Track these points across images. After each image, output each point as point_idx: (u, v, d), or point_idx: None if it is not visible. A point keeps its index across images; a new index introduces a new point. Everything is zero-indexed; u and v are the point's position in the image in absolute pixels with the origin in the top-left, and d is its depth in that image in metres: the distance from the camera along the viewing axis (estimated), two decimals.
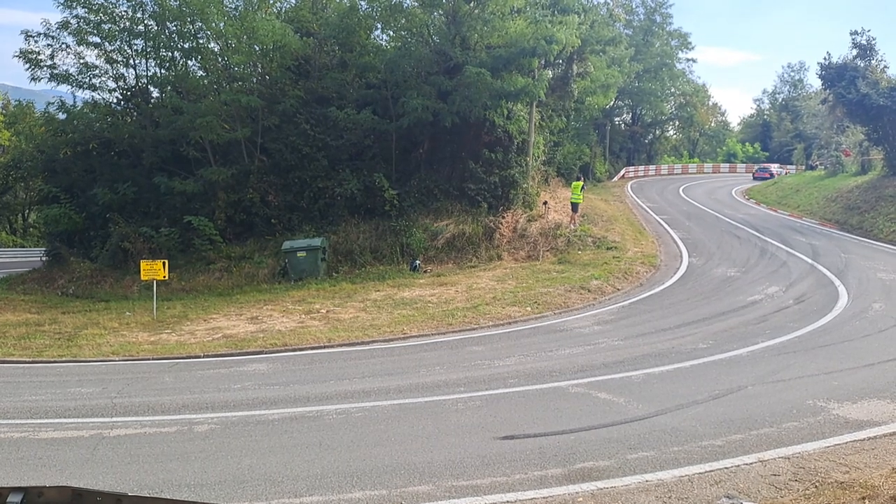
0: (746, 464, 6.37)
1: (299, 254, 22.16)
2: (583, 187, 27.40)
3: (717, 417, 7.87)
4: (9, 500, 4.06)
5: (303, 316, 16.40)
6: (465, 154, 26.36)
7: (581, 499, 5.64)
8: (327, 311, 16.80)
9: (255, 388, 10.21)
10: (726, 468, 6.26)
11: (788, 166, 63.30)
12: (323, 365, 11.81)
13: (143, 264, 17.04)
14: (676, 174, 63.77)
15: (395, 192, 25.09)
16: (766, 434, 7.28)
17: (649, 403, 8.46)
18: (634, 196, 42.52)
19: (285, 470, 6.62)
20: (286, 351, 13.11)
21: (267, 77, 27.25)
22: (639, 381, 9.73)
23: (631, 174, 60.47)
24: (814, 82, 69.99)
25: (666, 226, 29.60)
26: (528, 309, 16.10)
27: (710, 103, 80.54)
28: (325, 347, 13.33)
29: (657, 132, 72.69)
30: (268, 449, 7.31)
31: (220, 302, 19.39)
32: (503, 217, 25.51)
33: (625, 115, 68.25)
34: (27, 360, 13.21)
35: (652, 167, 64.91)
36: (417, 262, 22.98)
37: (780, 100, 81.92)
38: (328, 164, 25.58)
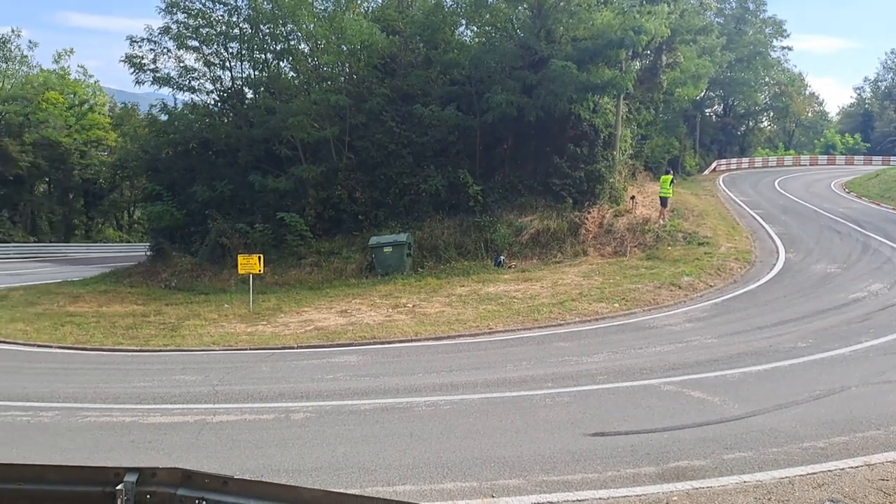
0: (852, 467, 6.10)
1: (385, 249, 22.58)
2: (672, 181, 26.67)
3: (819, 418, 7.56)
4: (125, 479, 4.35)
5: (390, 310, 16.73)
6: (550, 149, 26.14)
7: (676, 498, 5.56)
8: (413, 306, 17.07)
9: (346, 378, 10.51)
10: (830, 471, 6.02)
11: (893, 158, 59.53)
12: (411, 358, 12.03)
13: (241, 259, 17.79)
14: (771, 167, 61.10)
15: (479, 187, 25.17)
16: (872, 437, 6.94)
17: (746, 403, 8.21)
18: (726, 190, 41.05)
19: (378, 459, 6.80)
20: (375, 344, 13.42)
21: (354, 76, 27.86)
22: (734, 380, 9.44)
23: (722, 167, 58.37)
24: None
25: (761, 220, 28.46)
26: (616, 305, 15.87)
27: (807, 93, 76.74)
28: (412, 341, 13.57)
29: (750, 123, 69.83)
30: (361, 438, 7.53)
31: (311, 295, 20.01)
32: (589, 212, 25.17)
33: (716, 107, 65.91)
34: (135, 348, 14.05)
35: (745, 160, 62.37)
36: (502, 257, 23.00)
37: (882, 88, 77.24)
38: (413, 161, 25.92)
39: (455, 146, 26.36)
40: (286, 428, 8.14)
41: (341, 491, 4.26)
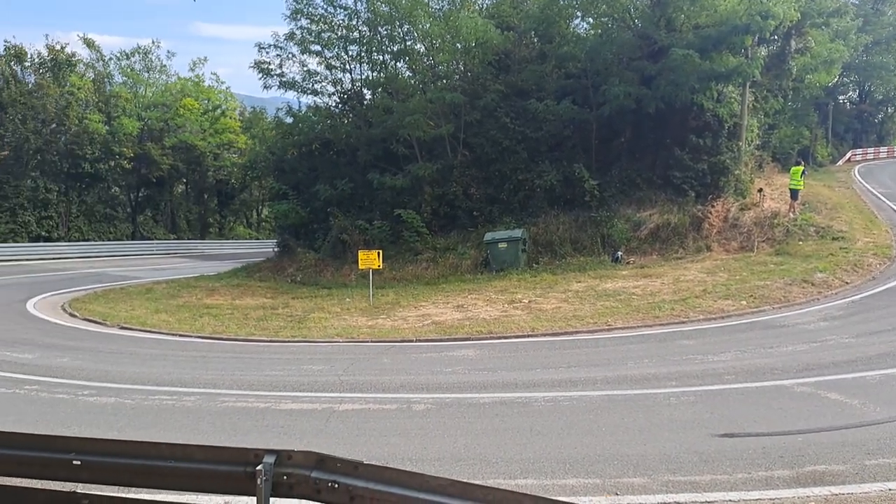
0: None
1: (500, 245, 22.65)
2: (803, 172, 25.10)
3: None
4: (264, 460, 4.65)
5: (506, 305, 16.79)
6: (671, 141, 25.30)
7: (813, 503, 5.29)
8: (529, 301, 17.05)
9: (465, 372, 10.67)
10: None
11: None
12: (528, 353, 12.03)
13: (361, 254, 18.41)
14: None
15: (596, 182, 24.74)
16: None
17: (889, 406, 7.66)
18: (863, 181, 38.16)
19: (498, 452, 6.87)
20: (492, 338, 13.51)
21: (469, 73, 28.10)
22: (875, 382, 8.83)
23: (858, 157, 54.21)
24: None
25: None
26: (743, 303, 15.18)
27: None
28: (528, 336, 13.57)
29: (889, 110, 64.40)
30: (481, 431, 7.63)
31: (427, 290, 20.39)
32: (712, 206, 24.17)
33: (850, 93, 61.26)
34: (266, 339, 14.84)
35: (883, 149, 57.57)
36: (619, 253, 22.52)
37: None
38: (528, 157, 25.84)
39: (570, 140, 26.04)
40: (408, 418, 8.37)
41: (466, 481, 4.37)
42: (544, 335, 13.56)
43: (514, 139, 25.93)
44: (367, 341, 13.96)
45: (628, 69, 24.69)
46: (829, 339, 11.55)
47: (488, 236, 23.19)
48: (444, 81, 28.27)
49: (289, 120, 30.79)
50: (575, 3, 27.24)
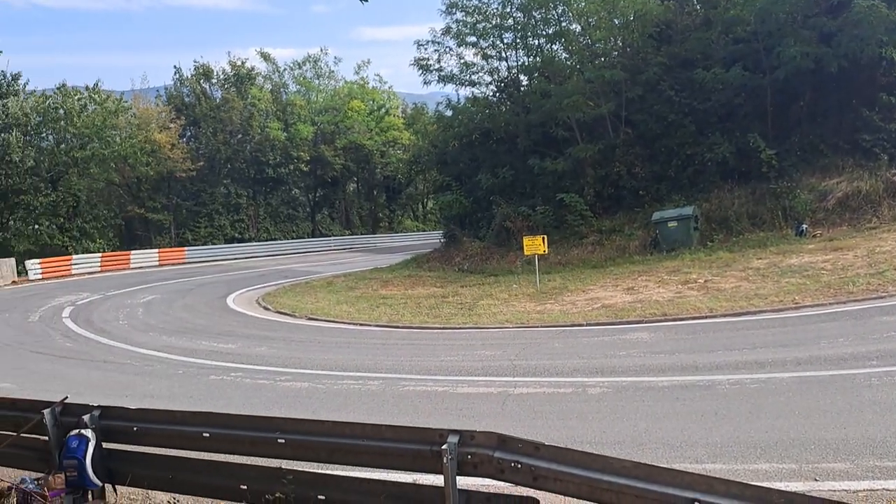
0: None
1: (670, 224, 21.83)
2: None
3: None
4: (448, 440, 4.86)
5: (679, 286, 16.17)
6: (857, 101, 23.04)
7: None
8: (705, 281, 16.30)
9: (640, 355, 10.44)
10: None
11: None
12: (707, 335, 11.54)
13: (526, 240, 18.50)
14: None
15: (773, 151, 23.07)
16: None
17: None
18: None
19: (681, 436, 6.69)
20: (666, 320, 13.09)
21: (628, 49, 27.26)
22: None
23: None
24: None
25: None
26: None
27: None
28: (706, 318, 12.98)
29: None
30: (661, 414, 7.46)
31: (594, 274, 20.10)
32: None
33: None
34: (438, 326, 15.37)
35: None
36: (804, 226, 20.89)
37: None
38: (696, 130, 24.66)
39: (742, 109, 24.49)
40: (584, 402, 8.36)
41: (652, 464, 4.32)
42: (723, 316, 12.91)
43: (681, 112, 24.82)
44: (537, 326, 14.03)
45: (804, 27, 22.74)
46: None
47: (656, 215, 22.41)
48: (603, 59, 27.62)
49: (448, 113, 31.55)
50: None
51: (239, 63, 48.33)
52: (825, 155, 23.22)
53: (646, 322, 13.16)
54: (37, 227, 36.92)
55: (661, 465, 4.35)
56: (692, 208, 22.19)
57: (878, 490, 5.04)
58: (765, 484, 5.07)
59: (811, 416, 6.84)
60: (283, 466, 5.23)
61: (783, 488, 4.73)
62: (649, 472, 4.24)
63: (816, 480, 5.31)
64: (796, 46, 22.09)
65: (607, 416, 7.60)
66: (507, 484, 4.62)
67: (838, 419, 6.67)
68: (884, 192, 21.18)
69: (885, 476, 5.27)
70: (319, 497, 5.09)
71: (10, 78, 38.38)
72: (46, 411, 5.84)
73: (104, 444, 5.74)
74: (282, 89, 51.61)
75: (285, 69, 52.34)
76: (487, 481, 4.77)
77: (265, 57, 51.55)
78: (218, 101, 46.57)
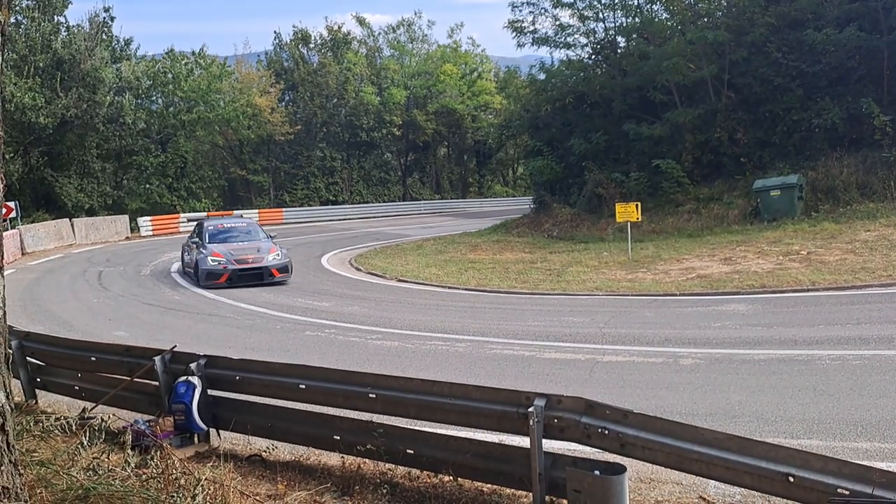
0: None
1: (772, 193, 20.87)
2: None
3: None
4: (535, 403, 4.90)
5: (780, 258, 15.51)
6: None
7: None
8: (808, 253, 15.57)
9: (735, 327, 10.14)
10: None
11: None
12: (808, 308, 11.06)
13: (619, 207, 18.13)
14: None
15: (888, 118, 21.47)
16: None
17: None
18: None
19: (777, 410, 6.50)
20: (764, 293, 12.62)
21: (733, 8, 25.86)
22: None
23: None
24: None
25: None
26: None
27: None
28: (808, 291, 12.44)
29: None
30: (756, 388, 7.25)
31: (690, 243, 19.54)
32: None
33: None
34: (526, 291, 15.37)
35: None
36: None
37: None
38: (804, 94, 23.26)
39: (855, 72, 22.88)
40: (675, 372, 8.22)
41: (745, 436, 4.23)
42: (826, 289, 12.33)
43: (788, 76, 23.45)
44: (628, 294, 13.81)
45: None
46: None
47: (758, 183, 21.43)
48: (706, 20, 26.35)
49: (542, 76, 30.97)
50: None
51: (335, 28, 49.04)
52: None
53: (743, 294, 12.73)
54: (148, 186, 39.03)
55: (755, 439, 4.26)
56: (797, 177, 21.10)
57: None
58: (865, 462, 4.89)
59: None
60: (374, 420, 5.43)
61: (884, 468, 4.54)
62: (742, 445, 4.17)
63: None
64: None
65: (699, 388, 7.46)
66: (594, 449, 4.63)
67: None
68: None
69: None
70: (408, 451, 5.26)
71: (122, 43, 40.40)
72: (157, 358, 6.28)
73: (209, 392, 6.13)
74: (376, 54, 52.01)
75: (380, 33, 52.67)
76: (574, 445, 4.80)
77: (361, 22, 52.03)
78: (315, 65, 47.47)
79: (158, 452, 5.16)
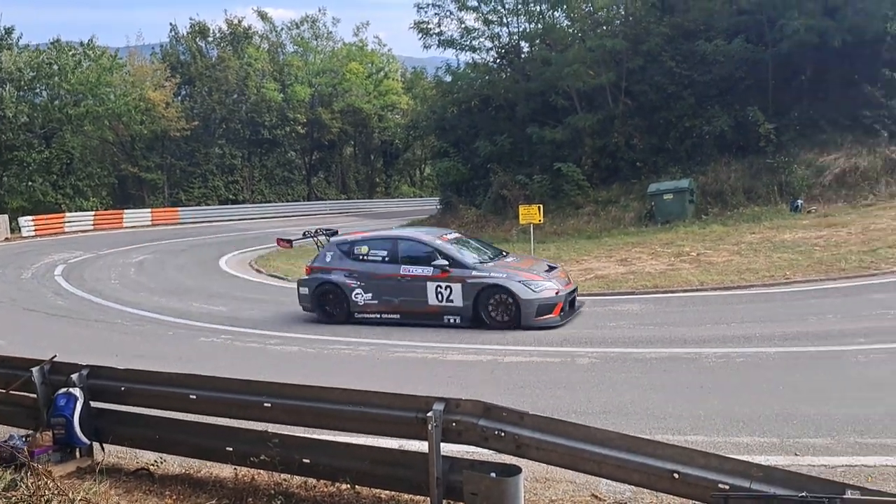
0: None
1: (665, 196, 21.79)
2: None
3: None
4: (434, 407, 4.87)
5: (672, 259, 16.19)
6: (860, 77, 22.83)
7: None
8: (698, 254, 16.32)
9: (629, 327, 10.49)
10: None
11: None
12: (697, 308, 11.58)
13: (522, 209, 18.40)
14: None
15: (772, 126, 22.90)
16: None
17: None
18: None
19: (667, 407, 6.75)
20: (657, 293, 13.12)
21: (630, 18, 26.91)
22: None
23: None
24: None
25: None
26: None
27: None
28: (697, 290, 13.02)
29: None
30: (648, 385, 7.51)
31: (589, 244, 20.11)
32: None
33: None
34: None
35: None
36: (799, 201, 20.86)
37: None
38: (695, 102, 24.46)
39: (742, 82, 24.26)
40: (572, 371, 8.42)
41: (634, 435, 4.35)
42: (714, 289, 12.95)
43: (681, 84, 24.59)
44: None
45: (809, 0, 22.41)
46: None
47: (653, 187, 22.35)
48: (605, 28, 27.29)
49: (448, 78, 31.19)
50: None
51: (235, 21, 47.71)
52: (824, 131, 23.08)
53: (637, 294, 13.19)
54: (30, 183, 36.64)
55: (645, 437, 4.39)
56: (688, 181, 22.12)
57: (856, 466, 5.10)
58: (745, 457, 5.13)
59: (795, 392, 6.90)
60: (269, 430, 5.27)
61: (763, 462, 4.78)
62: (632, 444, 4.29)
63: (797, 455, 5.37)
64: (800, 19, 21.77)
65: (595, 387, 7.66)
66: (492, 451, 4.66)
67: (822, 395, 6.73)
68: (882, 170, 21.15)
69: (865, 452, 5.33)
70: (304, 460, 5.14)
71: (3, 31, 37.76)
72: (35, 369, 5.86)
73: (93, 404, 5.78)
74: (279, 49, 50.93)
75: (282, 29, 51.65)
76: (473, 448, 4.82)
77: (262, 16, 50.81)
78: (213, 60, 45.97)
79: (29, 472, 4.80)
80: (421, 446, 4.74)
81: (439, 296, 11.11)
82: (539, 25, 28.43)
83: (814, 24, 21.70)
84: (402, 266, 11.44)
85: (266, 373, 8.46)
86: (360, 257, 11.83)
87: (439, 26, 29.37)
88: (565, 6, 27.54)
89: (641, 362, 8.51)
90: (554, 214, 24.16)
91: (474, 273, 11.04)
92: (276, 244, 16.38)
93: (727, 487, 3.78)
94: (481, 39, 29.50)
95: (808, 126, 23.31)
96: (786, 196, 21.59)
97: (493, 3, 28.43)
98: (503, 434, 4.57)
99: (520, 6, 28.25)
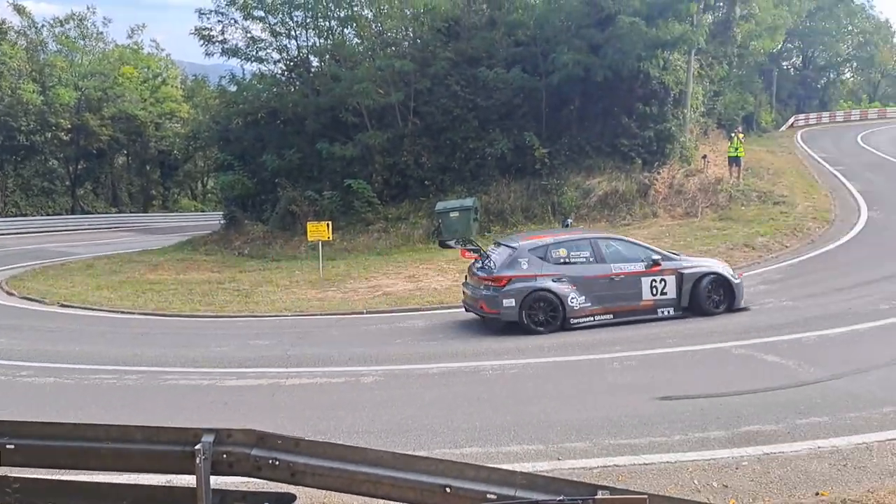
0: None
1: (452, 214, 22.59)
2: (731, 138, 25.66)
3: None
4: (203, 439, 4.56)
5: (457, 275, 16.73)
6: (618, 109, 25.49)
7: (746, 463, 5.46)
8: None
9: (414, 342, 10.70)
10: None
11: None
12: (476, 322, 12.09)
13: (310, 226, 18.16)
14: (854, 121, 57.76)
15: (546, 150, 24.81)
16: None
17: (823, 367, 7.95)
18: (805, 146, 39.17)
19: (445, 421, 6.92)
20: (443, 308, 13.54)
21: (418, 40, 27.73)
22: (811, 343, 9.15)
23: (801, 123, 55.53)
24: None
25: (842, 178, 27.12)
26: None
27: (895, 41, 71.78)
28: None
29: (832, 76, 65.97)
30: (429, 401, 7.67)
31: (379, 261, 20.32)
32: (658, 173, 24.50)
33: (794, 59, 62.52)
34: (211, 314, 14.60)
35: (825, 114, 59.19)
36: (569, 220, 22.63)
37: None
38: (478, 125, 25.75)
39: (520, 109, 26.02)
40: (356, 391, 8.37)
41: (408, 453, 4.38)
42: None
43: (465, 107, 25.78)
44: (317, 314, 13.86)
45: (577, 37, 24.65)
46: (768, 303, 11.91)
47: (440, 206, 23.11)
48: (394, 48, 27.84)
49: (233, 88, 29.94)
50: None
51: None
52: (590, 156, 25.42)
53: (424, 310, 13.54)
54: None
55: (419, 454, 4.43)
56: (473, 200, 23.17)
57: (610, 466, 5.56)
58: (513, 465, 5.39)
59: (561, 399, 7.42)
60: (10, 475, 4.59)
61: (530, 469, 5.05)
62: (406, 462, 4.30)
63: (559, 459, 5.74)
64: (569, 54, 23.86)
65: (378, 405, 7.66)
66: (266, 481, 4.44)
67: (583, 401, 7.30)
68: (637, 192, 23.70)
69: (618, 453, 5.83)
70: None
71: None
72: None
73: None
74: (39, 48, 45.71)
75: (44, 26, 46.41)
76: (248, 479, 4.57)
77: (19, 10, 45.20)
78: None
79: None
80: (190, 481, 4.40)
81: (654, 290, 10.98)
82: (329, 41, 28.33)
83: (581, 60, 23.88)
84: (613, 264, 11.05)
85: (13, 409, 7.46)
86: (561, 261, 11.07)
87: (223, 34, 28.17)
88: (354, 24, 27.76)
89: (424, 377, 8.69)
90: (344, 231, 24.11)
91: (684, 264, 11.24)
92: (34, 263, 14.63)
93: (495, 497, 3.91)
94: (269, 51, 28.73)
95: (577, 152, 25.52)
96: (558, 215, 23.38)
97: (280, 15, 27.84)
98: (277, 462, 4.37)
99: (309, 20, 27.96)
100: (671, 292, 11.06)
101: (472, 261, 12.01)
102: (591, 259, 11.12)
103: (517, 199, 24.37)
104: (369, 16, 27.93)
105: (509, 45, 26.47)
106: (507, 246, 11.63)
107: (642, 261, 11.11)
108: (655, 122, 25.02)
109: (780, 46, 51.41)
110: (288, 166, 26.75)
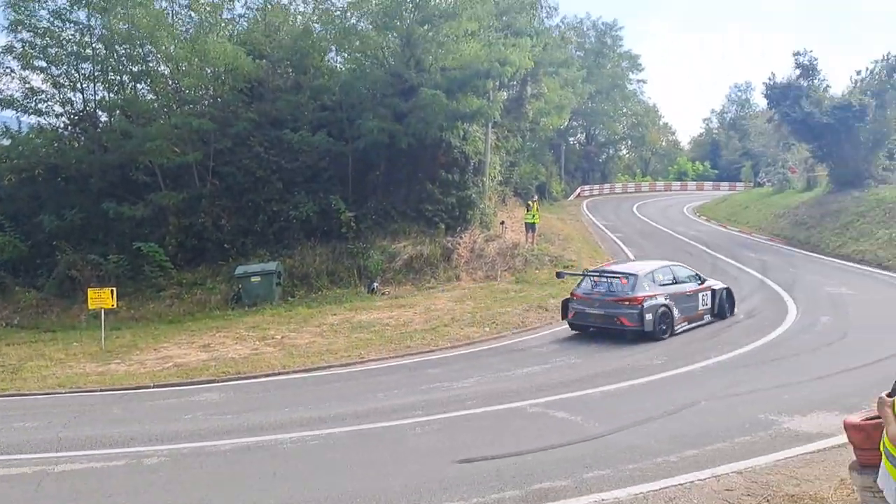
0: (700, 479, 6.42)
1: (253, 279, 21.78)
2: (528, 208, 27.67)
3: (672, 433, 7.93)
4: None
5: (257, 342, 16.09)
6: (422, 175, 26.36)
7: None
8: (282, 337, 16.52)
9: (206, 418, 9.94)
10: (681, 484, 6.29)
11: (738, 184, 64.55)
12: (277, 392, 11.58)
13: (91, 293, 16.54)
14: (630, 192, 64.96)
15: (352, 214, 24.89)
16: (719, 449, 7.35)
17: (606, 421, 8.48)
18: (590, 215, 43.08)
19: (236, 501, 6.43)
20: (239, 379, 12.81)
21: (219, 100, 26.89)
22: (596, 398, 9.77)
23: (586, 193, 61.32)
24: (760, 102, 70.83)
25: (621, 244, 30.05)
26: (487, 329, 16.09)
27: (661, 123, 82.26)
28: (279, 374, 13.08)
29: (611, 151, 73.88)
30: (220, 481, 7.12)
31: (170, 330, 18.93)
32: (461, 237, 25.53)
33: (579, 135, 69.31)
34: None
35: (606, 186, 65.99)
36: (375, 284, 22.82)
37: (728, 119, 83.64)
38: (283, 187, 25.29)
39: (326, 172, 25.99)
40: (137, 474, 7.58)
41: None
42: (296, 372, 13.15)
43: (269, 169, 25.25)
44: (96, 390, 12.48)
45: (382, 105, 25.31)
46: (559, 361, 12.63)
47: (240, 270, 22.18)
48: (192, 106, 26.74)
49: (6, 142, 26.97)
50: (328, 37, 27.47)
51: None
52: (395, 220, 25.88)
53: (218, 381, 12.69)
54: None
55: None
56: (276, 264, 22.51)
57: None
58: None
59: (362, 469, 7.21)
60: None
61: None
62: None
63: None
64: (374, 121, 24.38)
65: (161, 489, 6.98)
66: None
67: (384, 469, 7.14)
68: (440, 256, 24.40)
69: None
70: None
71: None
72: None
73: None
74: None
75: None
76: None
77: None
78: None
79: None
80: None
81: (703, 302, 15.12)
82: (120, 96, 26.61)
83: (385, 127, 24.49)
84: (684, 284, 14.92)
85: None
86: (662, 283, 14.50)
87: None
88: (149, 80, 26.40)
89: (215, 455, 8.07)
90: (132, 297, 22.26)
91: (710, 282, 15.65)
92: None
93: None
94: (50, 103, 26.33)
95: (383, 215, 25.88)
96: (364, 279, 23.40)
97: (65, 67, 25.78)
98: None
99: (98, 73, 26.13)
100: (710, 303, 15.20)
101: (579, 286, 15.23)
102: (673, 281, 14.76)
103: (322, 262, 24.05)
104: (166, 72, 26.69)
105: (315, 109, 26.52)
106: (624, 274, 14.53)
107: (694, 280, 15.18)
108: (457, 189, 26.15)
109: (566, 123, 56.72)
110: (69, 227, 24.35)
